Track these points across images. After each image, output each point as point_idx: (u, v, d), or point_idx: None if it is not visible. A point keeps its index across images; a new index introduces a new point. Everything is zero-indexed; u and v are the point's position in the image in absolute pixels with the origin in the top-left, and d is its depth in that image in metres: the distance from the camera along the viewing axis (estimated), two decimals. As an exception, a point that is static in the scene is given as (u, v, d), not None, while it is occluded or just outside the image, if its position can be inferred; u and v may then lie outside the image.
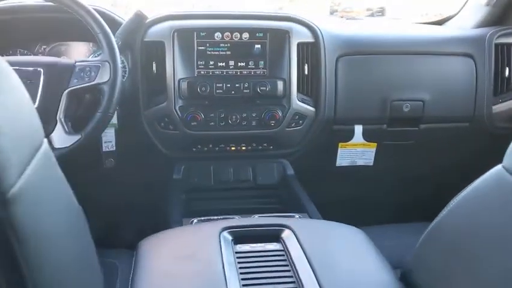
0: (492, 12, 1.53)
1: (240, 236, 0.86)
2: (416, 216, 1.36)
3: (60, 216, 0.58)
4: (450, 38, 1.50)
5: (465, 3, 1.66)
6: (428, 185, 1.63)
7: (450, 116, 1.48)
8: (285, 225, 0.88)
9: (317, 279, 0.73)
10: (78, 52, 1.43)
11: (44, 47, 1.43)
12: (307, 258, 0.79)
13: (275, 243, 0.85)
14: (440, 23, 1.75)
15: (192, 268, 0.76)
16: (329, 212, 1.31)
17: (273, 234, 0.87)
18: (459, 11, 1.69)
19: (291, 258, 0.80)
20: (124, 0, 2.03)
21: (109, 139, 1.32)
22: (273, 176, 1.41)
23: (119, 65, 1.14)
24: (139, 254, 0.84)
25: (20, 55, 1.41)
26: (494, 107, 1.48)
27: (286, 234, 0.86)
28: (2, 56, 1.38)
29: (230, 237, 0.85)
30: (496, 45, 1.47)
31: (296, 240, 0.84)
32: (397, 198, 1.62)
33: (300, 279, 0.74)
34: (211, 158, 1.40)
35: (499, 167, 0.64)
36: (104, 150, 1.33)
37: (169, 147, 1.38)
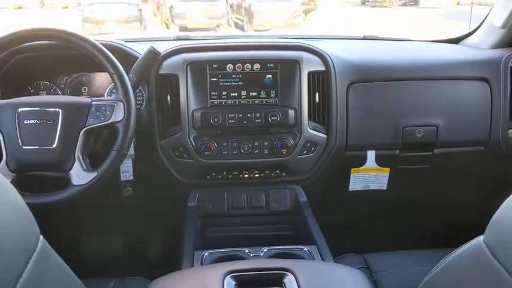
0: (508, 34, 1.51)
1: (244, 281, 0.89)
2: (431, 242, 1.37)
3: None
4: (464, 62, 1.48)
5: (482, 22, 1.64)
6: (444, 210, 1.62)
7: (465, 140, 1.47)
8: (287, 269, 0.91)
9: None
10: (98, 82, 1.49)
11: (66, 78, 1.50)
12: None
13: None
14: (456, 41, 1.74)
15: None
16: (340, 238, 1.34)
17: (276, 279, 0.90)
18: (476, 29, 1.67)
19: None
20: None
21: (127, 169, 1.38)
22: (286, 203, 1.43)
23: (133, 104, 1.20)
24: None
25: (44, 87, 1.48)
26: (510, 131, 1.46)
27: (288, 279, 0.89)
28: (27, 88, 1.47)
29: (234, 283, 0.89)
30: None
31: (297, 286, 0.87)
32: (411, 223, 1.62)
33: None
34: (225, 185, 1.44)
35: (479, 240, 0.65)
36: (122, 179, 1.38)
37: (184, 175, 1.42)
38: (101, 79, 1.49)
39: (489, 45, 1.58)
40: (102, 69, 1.23)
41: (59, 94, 1.49)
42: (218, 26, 10.81)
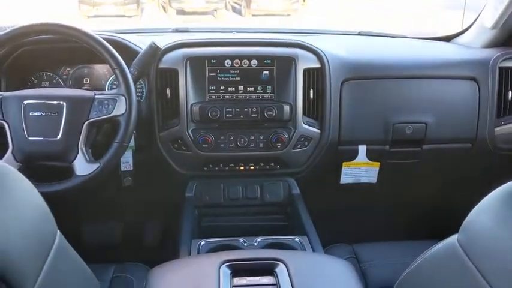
0: (498, 34, 1.56)
1: (238, 270, 0.95)
2: (418, 234, 1.44)
3: None
4: (455, 61, 1.53)
5: (474, 21, 1.68)
6: (431, 204, 1.69)
7: (453, 137, 1.53)
8: (279, 259, 0.97)
9: None
10: (99, 73, 1.54)
11: (68, 69, 1.54)
12: None
13: (269, 277, 0.95)
14: (448, 39, 1.78)
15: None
16: (331, 228, 1.40)
17: (268, 268, 0.96)
18: (468, 28, 1.72)
19: None
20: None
21: (127, 160, 1.43)
22: (279, 194, 1.49)
23: (134, 99, 1.24)
24: (150, 284, 0.94)
25: (46, 77, 1.52)
26: (496, 129, 1.52)
27: (279, 268, 0.96)
28: (30, 78, 1.51)
29: (229, 271, 0.95)
30: (500, 68, 1.50)
31: (287, 275, 0.93)
32: (398, 215, 1.68)
33: None
34: (222, 176, 1.50)
35: (454, 238, 0.70)
36: (122, 170, 1.44)
37: (182, 166, 1.48)
38: (102, 71, 1.53)
39: (480, 45, 1.63)
40: (103, 61, 1.27)
41: (61, 85, 1.53)
42: (216, 10, 10.76)
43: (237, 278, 0.94)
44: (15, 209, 0.55)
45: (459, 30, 1.78)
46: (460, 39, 1.74)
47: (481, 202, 0.67)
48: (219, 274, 0.93)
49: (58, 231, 0.65)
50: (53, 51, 1.46)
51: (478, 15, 1.64)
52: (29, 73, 1.51)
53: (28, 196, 0.58)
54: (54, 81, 1.53)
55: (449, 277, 0.68)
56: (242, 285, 0.92)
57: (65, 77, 1.53)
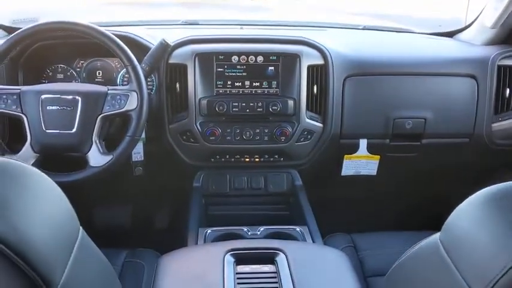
0: (498, 33, 1.60)
1: (241, 258, 1.03)
2: (415, 224, 1.50)
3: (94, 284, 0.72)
4: (455, 59, 1.58)
5: (475, 18, 1.72)
6: (428, 196, 1.75)
7: (451, 132, 1.58)
8: (280, 250, 1.05)
9: None
10: (111, 66, 1.60)
11: (82, 61, 1.60)
12: (292, 281, 0.96)
13: (270, 265, 1.02)
14: (451, 34, 1.82)
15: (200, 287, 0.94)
16: (331, 218, 1.47)
17: (269, 257, 1.04)
18: (470, 25, 1.76)
19: (281, 281, 0.97)
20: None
21: (138, 150, 1.50)
22: (283, 185, 1.56)
23: (146, 94, 1.31)
24: (159, 270, 1.02)
25: (61, 70, 1.59)
26: (493, 125, 1.57)
27: (280, 257, 1.03)
28: (45, 71, 1.58)
29: (233, 260, 1.03)
30: (499, 66, 1.55)
31: (287, 264, 1.01)
32: (397, 206, 1.75)
33: None
34: (228, 167, 1.57)
35: (436, 237, 0.77)
36: (133, 160, 1.51)
37: (190, 157, 1.55)
38: (114, 64, 1.60)
39: (481, 42, 1.67)
40: (115, 55, 1.33)
41: (75, 77, 1.60)
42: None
43: (240, 266, 1.02)
44: (42, 205, 0.62)
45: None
46: (462, 35, 1.79)
47: (461, 204, 0.73)
48: (224, 262, 1.01)
49: (80, 227, 0.72)
50: (67, 45, 1.52)
51: (480, 13, 1.68)
52: (44, 66, 1.58)
53: (53, 194, 0.65)
54: (69, 73, 1.59)
55: (430, 272, 0.75)
56: (245, 272, 1.00)
57: (78, 69, 1.60)
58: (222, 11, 3.11)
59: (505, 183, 0.69)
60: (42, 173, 0.66)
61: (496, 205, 0.66)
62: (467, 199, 0.74)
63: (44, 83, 1.55)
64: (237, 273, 1.00)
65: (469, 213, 0.70)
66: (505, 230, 0.63)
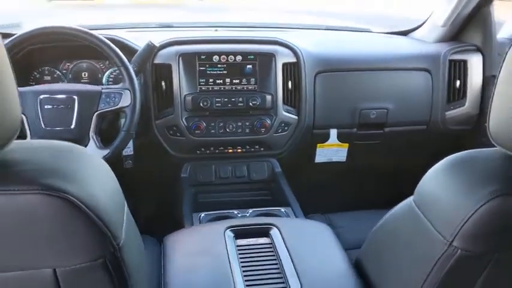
0: (449, 30, 1.80)
1: (240, 233, 1.16)
2: (382, 203, 1.67)
3: (137, 248, 0.83)
4: (411, 55, 1.77)
5: (427, 18, 1.93)
6: (392, 177, 1.94)
7: (410, 120, 1.77)
8: (272, 224, 1.19)
9: (294, 265, 1.04)
10: (96, 68, 1.69)
11: (68, 64, 1.68)
12: (287, 249, 1.10)
13: (265, 238, 1.16)
14: (405, 33, 2.02)
15: (206, 260, 1.06)
16: (308, 201, 1.62)
17: (264, 231, 1.18)
18: (422, 24, 1.96)
19: (276, 250, 1.11)
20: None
21: (128, 145, 1.60)
22: (264, 173, 1.71)
23: (138, 91, 1.42)
24: (166, 248, 1.14)
25: (48, 72, 1.66)
26: (447, 113, 1.77)
27: (273, 231, 1.17)
28: (33, 73, 1.64)
29: (232, 234, 1.16)
30: (450, 61, 1.75)
31: (280, 236, 1.15)
32: (365, 188, 1.93)
33: (282, 265, 1.05)
34: (213, 158, 1.69)
35: (410, 200, 0.91)
36: (124, 154, 1.60)
37: (177, 150, 1.66)
38: (99, 65, 1.69)
39: (433, 39, 1.87)
40: (99, 57, 1.41)
41: (61, 78, 1.67)
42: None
43: (240, 240, 1.15)
44: (100, 177, 0.71)
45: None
46: (415, 34, 1.98)
47: (430, 169, 0.89)
48: (225, 237, 1.14)
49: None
50: (54, 48, 1.59)
51: (431, 14, 1.88)
52: (31, 69, 1.64)
53: (105, 169, 0.75)
54: (55, 75, 1.67)
55: (407, 229, 0.89)
56: (244, 244, 1.13)
57: (65, 71, 1.68)
58: (174, 12, 3.21)
59: (464, 151, 0.85)
60: (95, 154, 0.77)
61: (458, 168, 0.82)
62: (434, 166, 0.89)
63: (32, 85, 1.62)
64: (237, 246, 1.13)
65: (437, 176, 0.86)
66: (466, 186, 0.78)
